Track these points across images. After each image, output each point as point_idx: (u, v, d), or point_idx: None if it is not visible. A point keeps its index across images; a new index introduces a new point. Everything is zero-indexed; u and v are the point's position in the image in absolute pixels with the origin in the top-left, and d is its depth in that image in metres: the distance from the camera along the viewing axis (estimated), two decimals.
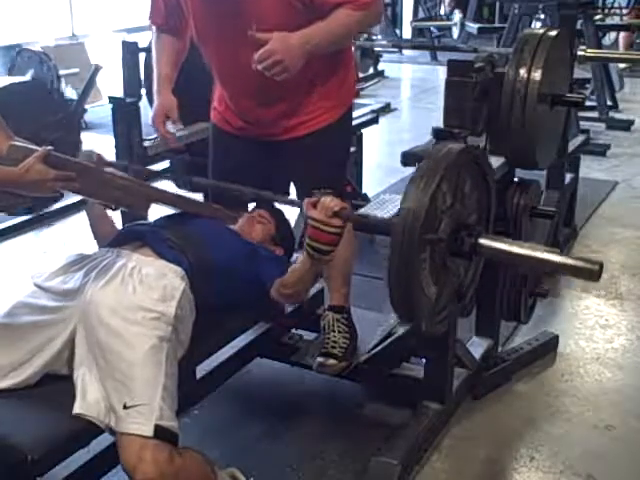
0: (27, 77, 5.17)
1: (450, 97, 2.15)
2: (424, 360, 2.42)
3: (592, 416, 2.49)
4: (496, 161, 2.28)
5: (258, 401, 2.58)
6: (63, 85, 5.69)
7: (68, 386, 1.69)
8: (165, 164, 3.53)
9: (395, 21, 11.37)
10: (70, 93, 5.73)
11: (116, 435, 1.63)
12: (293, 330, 2.68)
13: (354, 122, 3.84)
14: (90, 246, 2.20)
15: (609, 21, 8.63)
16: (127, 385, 1.64)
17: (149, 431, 1.59)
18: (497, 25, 9.92)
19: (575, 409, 2.53)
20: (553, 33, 2.32)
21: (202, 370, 2.21)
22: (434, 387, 2.37)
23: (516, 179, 2.50)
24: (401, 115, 7.07)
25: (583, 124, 5.57)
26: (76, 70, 5.96)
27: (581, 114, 5.47)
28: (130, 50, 3.11)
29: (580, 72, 5.48)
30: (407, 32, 11.13)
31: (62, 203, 4.44)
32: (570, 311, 3.25)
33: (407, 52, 9.91)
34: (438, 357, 2.35)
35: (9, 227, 4.17)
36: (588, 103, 5.66)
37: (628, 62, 7.45)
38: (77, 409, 1.64)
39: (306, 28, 2.04)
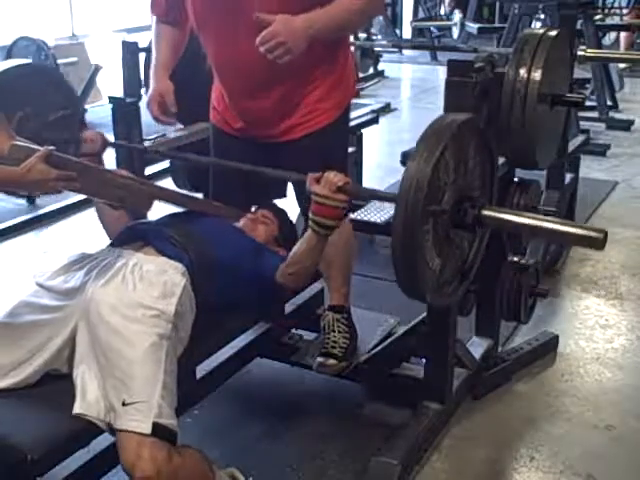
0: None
1: (450, 97, 2.15)
2: (424, 360, 2.42)
3: (592, 416, 2.49)
4: None
5: (258, 401, 2.58)
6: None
7: (68, 386, 1.69)
8: (165, 164, 3.53)
9: (395, 21, 11.37)
10: None
11: (115, 432, 1.63)
12: (293, 330, 2.68)
13: (354, 122, 3.86)
14: (90, 246, 2.20)
15: (609, 21, 8.63)
16: (126, 382, 1.64)
17: (147, 428, 1.59)
18: (497, 25, 9.92)
19: (575, 409, 2.53)
20: (553, 33, 2.32)
21: (202, 370, 2.21)
22: (434, 387, 2.37)
23: (516, 179, 2.50)
24: (401, 115, 7.07)
25: (583, 124, 5.58)
26: (75, 59, 5.94)
27: (581, 114, 5.47)
28: (130, 50, 3.11)
29: (580, 72, 5.48)
30: (407, 32, 11.13)
31: (62, 203, 4.45)
32: (570, 311, 3.25)
33: (407, 52, 9.91)
34: (438, 357, 2.35)
35: (9, 227, 4.17)
36: (588, 103, 5.66)
37: (628, 62, 7.45)
38: (77, 409, 1.64)
39: (309, 13, 2.04)
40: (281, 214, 2.34)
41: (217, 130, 2.44)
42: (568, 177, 3.77)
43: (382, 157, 5.19)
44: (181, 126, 3.00)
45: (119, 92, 3.04)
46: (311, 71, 2.21)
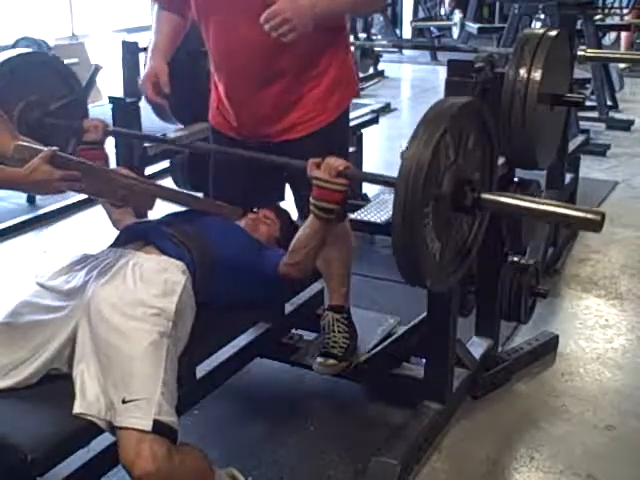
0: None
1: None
2: (424, 360, 2.42)
3: (592, 416, 2.49)
4: None
5: (258, 401, 2.58)
6: None
7: (68, 385, 1.69)
8: (165, 164, 3.53)
9: (395, 21, 11.36)
10: None
11: (116, 432, 1.63)
12: (293, 330, 2.68)
13: (354, 122, 3.86)
14: (90, 246, 2.20)
15: (609, 21, 8.63)
16: (127, 380, 1.64)
17: (148, 425, 1.59)
18: (497, 25, 9.92)
19: (575, 409, 2.53)
20: (553, 33, 2.32)
21: (202, 370, 2.21)
22: (434, 387, 2.37)
23: (516, 179, 2.50)
24: (401, 115, 7.07)
25: (583, 124, 5.58)
26: (75, 59, 5.94)
27: (581, 114, 5.47)
28: (130, 50, 3.11)
29: (580, 72, 5.48)
30: (407, 32, 11.12)
31: (62, 203, 4.46)
32: (570, 311, 3.25)
33: (407, 52, 9.90)
34: (438, 357, 2.35)
35: (9, 227, 4.17)
36: (588, 103, 5.66)
37: (628, 62, 7.45)
38: (77, 408, 1.63)
39: None
40: (283, 214, 2.34)
41: (216, 132, 2.44)
42: (568, 177, 3.77)
43: (382, 157, 5.18)
44: (181, 126, 3.00)
45: (119, 92, 3.04)
46: (312, 65, 2.20)
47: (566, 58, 2.60)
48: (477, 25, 8.87)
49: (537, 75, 2.21)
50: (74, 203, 4.46)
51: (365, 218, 3.58)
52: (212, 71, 2.33)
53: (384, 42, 9.32)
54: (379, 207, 3.69)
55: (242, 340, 2.39)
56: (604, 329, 3.07)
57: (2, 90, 2.30)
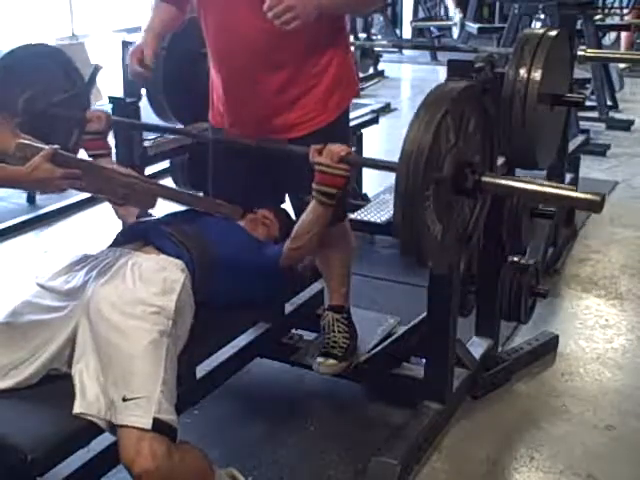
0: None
1: None
2: (424, 360, 2.42)
3: (592, 416, 2.49)
4: None
5: (258, 401, 2.58)
6: None
7: (68, 385, 1.69)
8: (165, 164, 3.53)
9: (395, 21, 11.36)
10: None
11: (116, 431, 1.63)
12: (293, 330, 2.68)
13: (354, 122, 3.86)
14: (91, 246, 2.20)
15: (609, 21, 8.63)
16: (127, 379, 1.64)
17: (148, 424, 1.59)
18: (497, 25, 9.91)
19: (575, 409, 2.53)
20: (553, 33, 2.32)
21: (202, 370, 2.21)
22: (434, 387, 2.37)
23: None
24: (401, 115, 7.06)
25: (583, 124, 5.58)
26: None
27: (581, 114, 5.47)
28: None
29: (580, 72, 5.48)
30: (407, 32, 11.12)
31: (63, 203, 4.46)
32: (570, 311, 3.25)
33: (407, 52, 9.90)
34: (438, 357, 2.35)
35: (9, 227, 4.17)
36: (588, 103, 5.66)
37: (628, 62, 7.45)
38: (77, 408, 1.64)
39: None
40: (282, 215, 2.34)
41: (216, 131, 2.43)
42: (568, 177, 3.77)
43: (382, 157, 5.18)
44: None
45: (119, 92, 3.04)
46: (311, 63, 2.19)
47: (566, 58, 2.59)
48: (477, 25, 8.87)
49: (537, 75, 2.21)
50: (74, 203, 4.46)
51: (365, 218, 3.59)
52: (211, 68, 2.33)
53: (384, 42, 9.32)
54: (379, 207, 3.69)
55: (242, 340, 2.39)
56: (604, 329, 3.07)
57: (5, 82, 2.31)
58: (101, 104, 6.24)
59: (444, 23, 10.63)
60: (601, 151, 5.53)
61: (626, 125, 6.33)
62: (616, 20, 8.79)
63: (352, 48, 4.40)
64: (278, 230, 2.26)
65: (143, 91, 2.87)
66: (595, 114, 6.30)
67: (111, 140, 2.50)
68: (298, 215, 2.29)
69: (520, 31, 5.45)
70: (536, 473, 2.24)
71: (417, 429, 2.28)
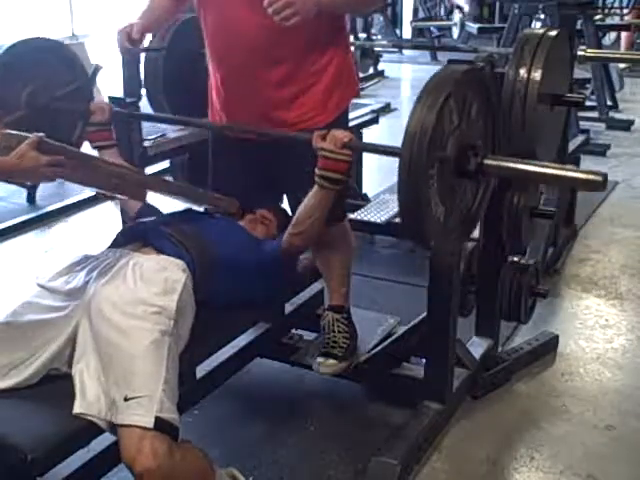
0: None
1: None
2: (424, 360, 2.42)
3: (592, 416, 2.49)
4: None
5: (258, 401, 2.58)
6: None
7: (68, 385, 1.69)
8: (165, 164, 3.53)
9: (395, 21, 11.37)
10: None
11: (117, 431, 1.63)
12: (293, 330, 2.68)
13: (354, 122, 3.86)
14: (91, 246, 2.20)
15: (609, 21, 8.63)
16: (128, 378, 1.64)
17: (150, 422, 1.59)
18: (497, 25, 9.91)
19: (575, 409, 2.53)
20: (553, 33, 2.32)
21: (202, 370, 2.21)
22: (434, 387, 2.37)
23: None
24: (401, 115, 7.05)
25: (583, 124, 5.58)
26: None
27: (581, 114, 5.47)
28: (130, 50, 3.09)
29: (580, 72, 5.48)
30: (407, 32, 11.12)
31: (63, 203, 4.46)
32: (570, 311, 3.25)
33: (407, 52, 9.90)
34: (438, 357, 2.35)
35: (9, 227, 4.17)
36: (588, 103, 5.66)
37: (628, 62, 7.45)
38: (77, 408, 1.64)
39: None
40: (281, 214, 2.34)
41: (215, 132, 2.43)
42: None
43: (382, 157, 5.17)
44: (181, 126, 3.00)
45: (119, 92, 3.04)
46: (311, 61, 2.19)
47: (566, 58, 2.59)
48: (477, 25, 8.87)
49: (537, 75, 2.21)
50: (74, 203, 4.46)
51: (365, 218, 3.58)
52: (210, 67, 2.32)
53: (384, 42, 9.32)
54: (379, 207, 3.69)
55: (242, 340, 2.39)
56: (604, 329, 3.07)
57: (7, 75, 2.32)
58: None
59: (444, 23, 10.64)
60: (601, 151, 5.53)
61: (626, 125, 6.33)
62: (616, 20, 8.78)
63: (352, 48, 4.40)
64: (277, 229, 2.27)
65: (143, 91, 2.87)
66: (595, 114, 6.30)
67: None
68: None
69: (520, 31, 5.45)
70: (536, 473, 2.24)
71: (417, 429, 2.28)
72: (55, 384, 1.75)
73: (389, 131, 5.99)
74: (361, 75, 7.89)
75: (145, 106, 2.85)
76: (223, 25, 2.18)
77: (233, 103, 2.29)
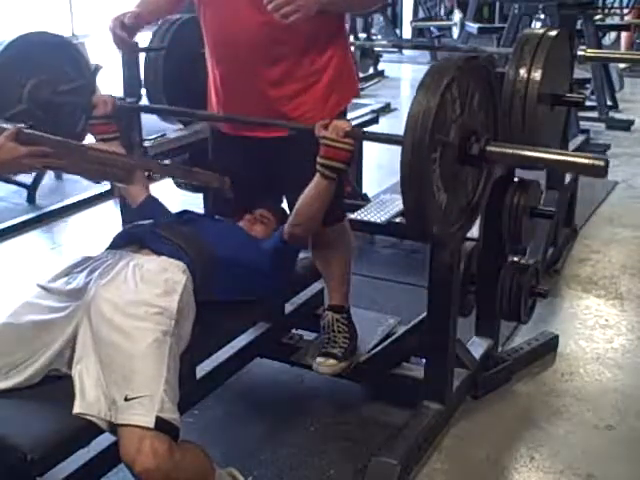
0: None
1: None
2: (424, 360, 2.42)
3: (592, 416, 2.49)
4: None
5: (258, 401, 2.58)
6: None
7: (68, 386, 1.69)
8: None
9: (395, 21, 11.36)
10: None
11: (117, 431, 1.63)
12: (293, 330, 2.68)
13: (354, 122, 3.85)
14: (91, 245, 2.20)
15: (609, 21, 8.63)
16: (129, 378, 1.64)
17: (150, 422, 1.59)
18: (497, 25, 9.91)
19: (575, 409, 2.53)
20: (553, 33, 2.32)
21: (202, 370, 2.21)
22: (434, 387, 2.37)
23: (516, 179, 2.50)
24: (401, 115, 7.06)
25: (583, 124, 5.58)
26: None
27: (581, 114, 5.47)
28: (130, 50, 3.09)
29: (580, 72, 5.48)
30: (407, 32, 11.12)
31: (63, 203, 4.46)
32: (570, 311, 3.25)
33: (407, 52, 9.90)
34: (438, 357, 2.35)
35: (10, 227, 4.17)
36: (588, 103, 5.65)
37: (628, 62, 7.45)
38: (77, 409, 1.64)
39: None
40: (280, 213, 2.34)
41: (214, 130, 2.43)
42: (568, 177, 3.76)
43: (382, 157, 5.18)
44: (181, 126, 3.00)
45: (119, 92, 3.04)
46: (310, 60, 2.19)
47: (566, 58, 2.59)
48: (477, 25, 8.86)
49: (537, 75, 2.21)
50: (74, 203, 4.46)
51: (365, 218, 3.58)
52: (209, 65, 2.32)
53: (384, 42, 9.31)
54: (379, 207, 3.69)
55: (242, 340, 2.39)
56: (604, 329, 3.07)
57: (10, 70, 2.32)
58: None
59: (444, 23, 10.63)
60: (601, 151, 5.53)
61: (626, 125, 6.33)
62: (616, 20, 8.79)
63: (352, 48, 4.40)
64: (276, 229, 2.27)
65: (143, 91, 2.87)
66: (595, 114, 6.31)
67: None
68: None
69: (520, 31, 5.45)
70: (536, 473, 2.24)
71: (417, 429, 2.28)
72: (55, 384, 1.75)
73: (389, 131, 5.97)
74: (361, 75, 7.89)
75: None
76: (222, 22, 2.18)
77: (232, 101, 2.28)
